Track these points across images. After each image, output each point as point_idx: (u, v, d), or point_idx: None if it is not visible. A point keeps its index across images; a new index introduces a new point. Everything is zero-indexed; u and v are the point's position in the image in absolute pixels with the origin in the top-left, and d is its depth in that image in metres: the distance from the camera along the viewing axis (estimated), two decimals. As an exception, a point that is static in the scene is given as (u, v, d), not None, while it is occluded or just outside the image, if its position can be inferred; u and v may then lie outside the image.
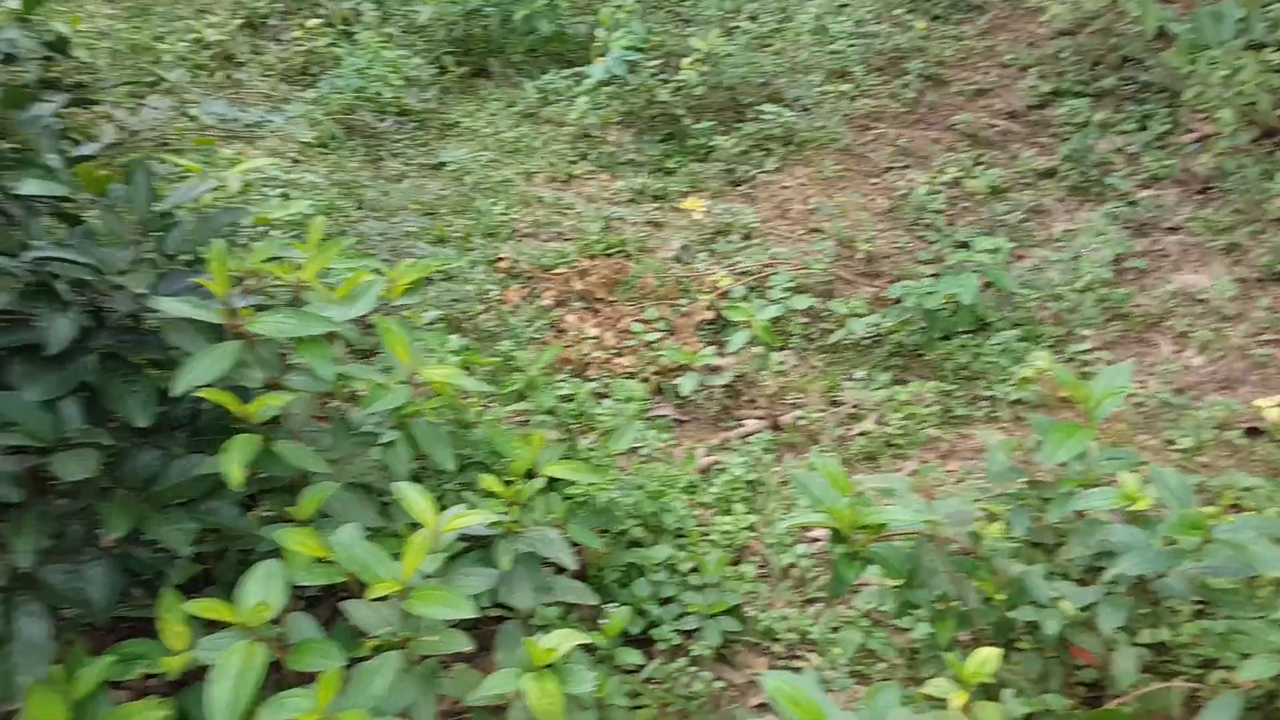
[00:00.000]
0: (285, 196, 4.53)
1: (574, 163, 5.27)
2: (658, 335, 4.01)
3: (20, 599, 2.01)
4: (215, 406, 2.00)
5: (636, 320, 4.09)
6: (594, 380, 3.75)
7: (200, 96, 5.48)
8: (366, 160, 5.18)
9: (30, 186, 1.82)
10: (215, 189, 2.14)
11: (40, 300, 2.03)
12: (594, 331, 4.01)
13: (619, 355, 3.92)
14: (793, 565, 2.97)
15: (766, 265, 4.35)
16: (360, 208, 4.64)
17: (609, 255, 4.46)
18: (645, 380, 3.79)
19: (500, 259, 4.37)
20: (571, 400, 3.50)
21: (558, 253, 4.41)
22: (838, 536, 2.05)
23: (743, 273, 4.33)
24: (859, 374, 3.90)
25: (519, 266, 4.32)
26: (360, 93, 5.46)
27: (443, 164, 5.18)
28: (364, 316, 2.23)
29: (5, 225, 1.93)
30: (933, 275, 4.27)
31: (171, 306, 1.83)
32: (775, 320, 4.04)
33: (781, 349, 4.01)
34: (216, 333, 1.97)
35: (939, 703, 1.95)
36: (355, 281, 2.16)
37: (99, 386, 2.08)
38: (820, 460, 2.14)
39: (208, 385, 1.89)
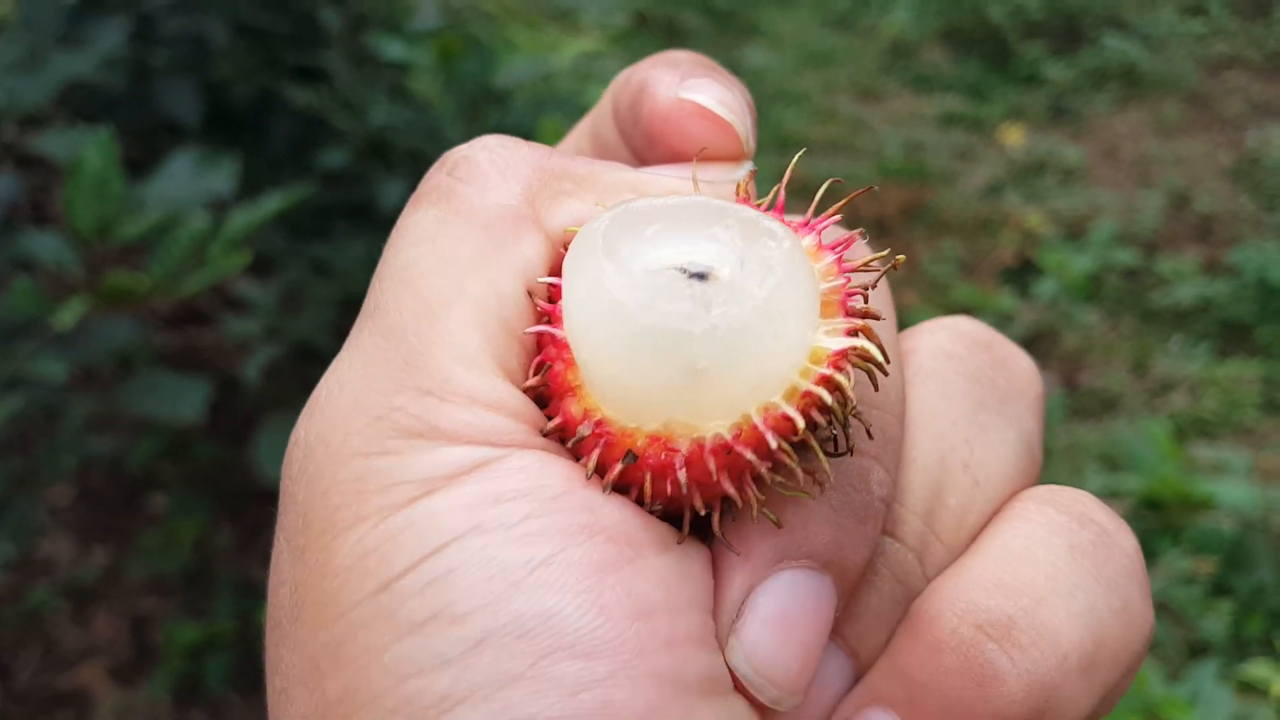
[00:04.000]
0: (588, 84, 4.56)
1: (880, 79, 5.00)
2: (950, 273, 3.77)
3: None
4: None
5: (928, 254, 3.86)
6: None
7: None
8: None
9: (395, 50, 1.86)
10: (546, 75, 2.13)
11: (374, 163, 2.12)
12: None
13: (903, 288, 3.72)
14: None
15: (1086, 212, 3.97)
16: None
17: (907, 181, 4.22)
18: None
19: (789, 174, 4.23)
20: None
21: (850, 173, 4.22)
22: (1152, 506, 1.87)
23: (1058, 217, 3.98)
24: (1175, 344, 3.52)
25: (808, 184, 4.16)
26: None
27: (740, 68, 5.05)
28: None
29: (355, 85, 2.01)
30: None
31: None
32: (1091, 273, 3.70)
33: (1088, 304, 3.67)
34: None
35: (1257, 688, 1.76)
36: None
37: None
38: (1148, 424, 1.93)
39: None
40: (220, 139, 1.96)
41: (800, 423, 0.37)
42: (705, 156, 0.48)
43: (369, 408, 0.39)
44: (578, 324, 0.39)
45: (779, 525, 0.39)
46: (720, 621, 0.40)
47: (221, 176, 1.46)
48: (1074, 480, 2.87)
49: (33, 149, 1.79)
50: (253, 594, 2.24)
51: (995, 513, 0.44)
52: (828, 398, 0.37)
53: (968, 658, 0.40)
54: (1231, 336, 3.52)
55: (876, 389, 0.40)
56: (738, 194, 0.45)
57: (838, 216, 0.43)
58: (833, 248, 0.42)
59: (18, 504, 1.60)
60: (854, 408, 0.38)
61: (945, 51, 5.08)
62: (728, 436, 0.37)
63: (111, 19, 1.79)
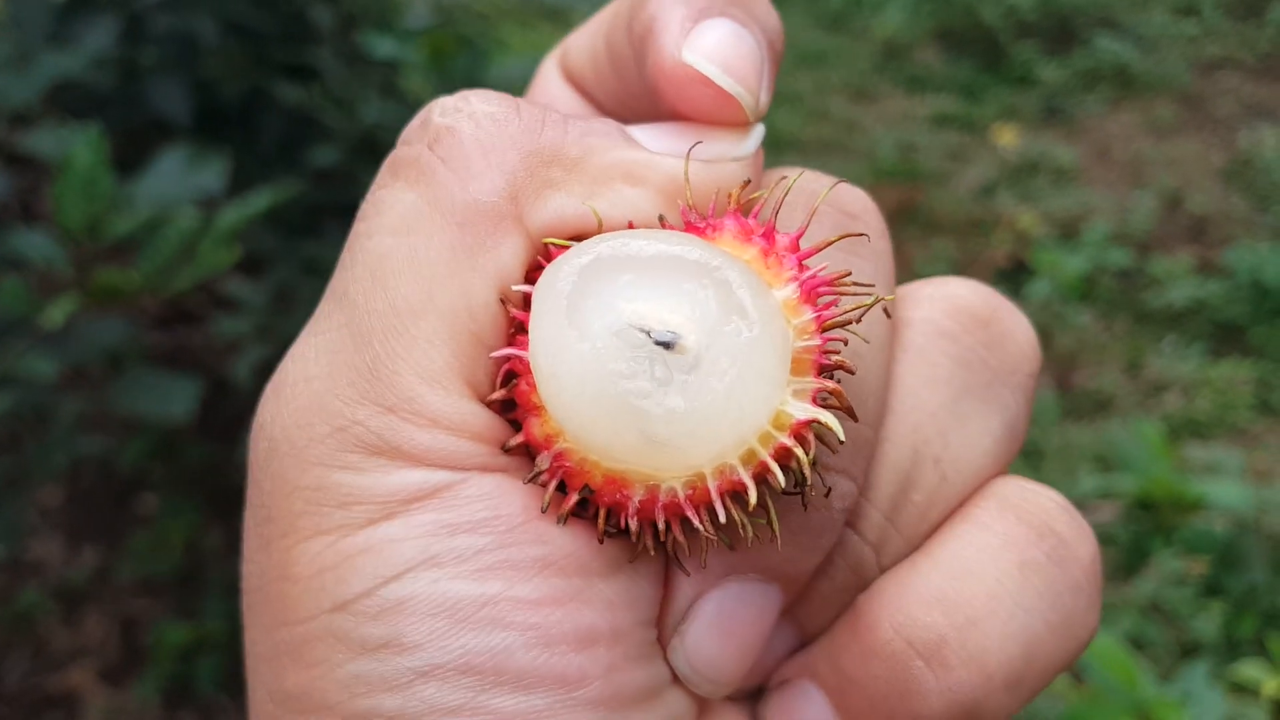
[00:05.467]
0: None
1: (873, 79, 5.00)
2: (943, 273, 3.77)
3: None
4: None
5: (921, 255, 3.86)
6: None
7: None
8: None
9: (386, 48, 1.85)
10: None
11: (365, 161, 2.11)
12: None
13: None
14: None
15: (1079, 213, 3.98)
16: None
17: (900, 182, 4.22)
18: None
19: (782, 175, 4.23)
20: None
21: (843, 174, 4.21)
22: (1145, 507, 1.87)
23: (1051, 218, 3.99)
24: (1168, 344, 3.53)
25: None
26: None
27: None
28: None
29: (346, 83, 2.00)
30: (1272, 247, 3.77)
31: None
32: (1084, 274, 3.71)
33: (1081, 304, 3.68)
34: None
35: (1249, 689, 1.76)
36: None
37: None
38: (1140, 424, 1.94)
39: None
40: (210, 137, 1.95)
41: (753, 492, 0.37)
42: (708, 123, 0.45)
43: (332, 415, 0.39)
44: (542, 366, 0.38)
45: (731, 548, 0.40)
46: (665, 624, 0.41)
47: (211, 174, 1.45)
48: (1067, 482, 2.88)
49: (22, 147, 1.78)
50: (244, 595, 2.22)
51: (962, 504, 0.44)
52: (781, 476, 0.37)
53: (895, 670, 0.41)
54: (1225, 337, 3.53)
55: (835, 452, 0.40)
56: (730, 203, 0.42)
57: (824, 264, 0.40)
58: (814, 294, 0.39)
59: (8, 504, 1.59)
60: (813, 471, 0.38)
61: (938, 52, 5.09)
62: (680, 495, 0.38)
63: (101, 18, 1.78)
